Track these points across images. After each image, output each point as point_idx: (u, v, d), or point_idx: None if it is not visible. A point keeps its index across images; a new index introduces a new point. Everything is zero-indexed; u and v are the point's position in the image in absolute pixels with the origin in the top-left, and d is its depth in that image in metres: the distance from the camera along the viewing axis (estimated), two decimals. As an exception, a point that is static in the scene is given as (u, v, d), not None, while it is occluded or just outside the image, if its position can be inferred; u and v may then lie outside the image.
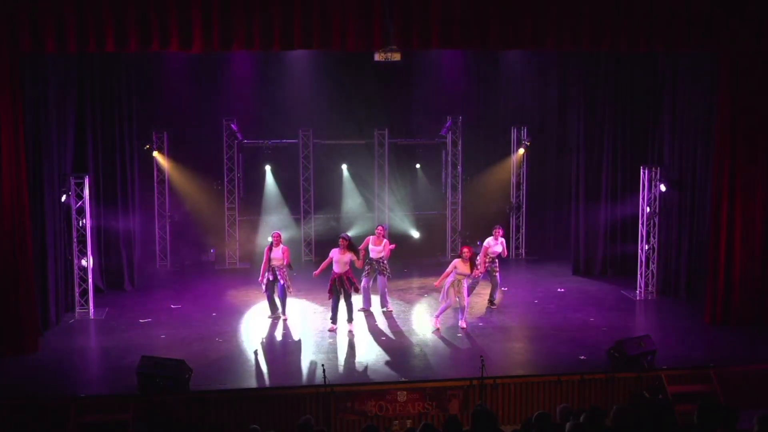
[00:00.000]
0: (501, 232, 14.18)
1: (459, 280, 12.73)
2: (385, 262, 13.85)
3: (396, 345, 12.28)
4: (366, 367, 11.48)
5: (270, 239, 13.69)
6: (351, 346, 12.33)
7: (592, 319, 13.58)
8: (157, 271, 17.31)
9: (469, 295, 13.22)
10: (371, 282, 13.95)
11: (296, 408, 10.15)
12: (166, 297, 15.15)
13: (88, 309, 13.81)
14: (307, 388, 10.51)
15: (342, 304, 12.90)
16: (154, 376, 10.25)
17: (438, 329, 12.84)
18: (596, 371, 10.94)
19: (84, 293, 13.86)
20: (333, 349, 12.16)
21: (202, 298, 15.03)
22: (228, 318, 13.70)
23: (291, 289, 13.35)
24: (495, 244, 14.10)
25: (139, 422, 9.98)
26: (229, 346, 12.32)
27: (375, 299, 14.10)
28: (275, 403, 10.34)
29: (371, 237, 13.93)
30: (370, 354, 11.99)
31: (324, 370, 10.29)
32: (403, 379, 10.84)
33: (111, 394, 10.43)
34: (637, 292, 15.09)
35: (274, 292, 13.33)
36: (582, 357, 11.62)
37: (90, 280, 13.86)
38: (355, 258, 12.97)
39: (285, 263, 13.19)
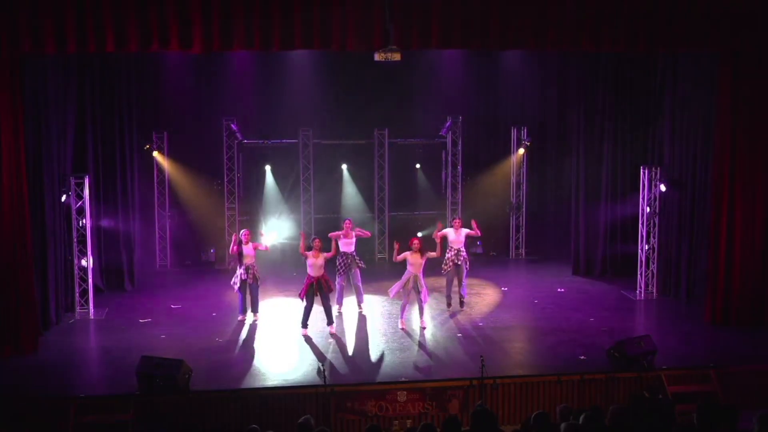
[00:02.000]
0: (459, 223, 13.98)
1: (416, 276, 12.70)
2: (355, 254, 13.75)
3: (396, 345, 12.27)
4: (366, 367, 11.46)
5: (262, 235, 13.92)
6: (351, 346, 12.32)
7: (592, 319, 13.58)
8: (157, 271, 17.32)
9: (429, 294, 13.14)
10: (346, 280, 13.83)
11: (296, 408, 10.13)
12: (166, 297, 15.16)
13: (88, 309, 13.82)
14: (307, 388, 10.50)
15: (319, 308, 12.82)
16: (154, 376, 10.24)
17: (403, 329, 12.87)
18: (596, 371, 10.94)
19: (84, 293, 13.86)
20: (333, 349, 12.15)
21: (202, 298, 15.03)
22: (228, 318, 13.69)
23: (258, 281, 13.38)
24: (455, 234, 13.90)
25: (139, 422, 9.98)
26: (228, 346, 12.33)
27: (349, 299, 14.07)
28: (275, 403, 10.34)
29: (339, 233, 13.76)
30: (370, 354, 11.98)
31: (324, 370, 10.29)
32: (403, 379, 10.83)
33: (111, 394, 10.42)
34: (637, 292, 15.09)
35: (246, 292, 13.33)
36: (582, 357, 11.61)
37: (90, 280, 13.87)
38: (327, 255, 12.89)
39: (261, 248, 13.37)
